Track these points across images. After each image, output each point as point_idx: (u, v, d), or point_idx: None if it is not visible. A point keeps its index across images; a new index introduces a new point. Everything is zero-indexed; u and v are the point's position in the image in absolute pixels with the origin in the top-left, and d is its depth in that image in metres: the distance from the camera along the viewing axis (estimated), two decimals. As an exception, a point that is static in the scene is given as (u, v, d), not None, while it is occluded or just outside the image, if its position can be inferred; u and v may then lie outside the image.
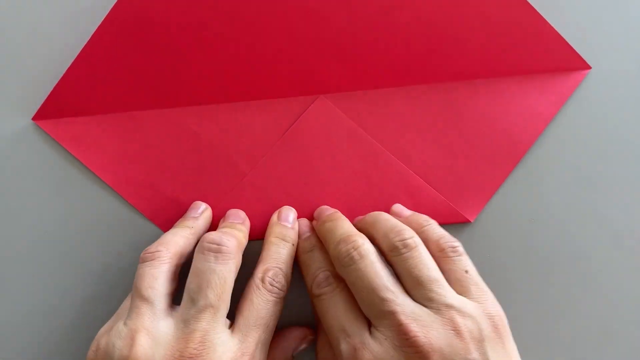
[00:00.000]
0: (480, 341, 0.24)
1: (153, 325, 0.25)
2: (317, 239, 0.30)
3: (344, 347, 0.25)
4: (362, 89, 0.33)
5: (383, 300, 0.25)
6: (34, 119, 0.33)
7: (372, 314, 0.26)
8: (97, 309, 0.32)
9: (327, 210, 0.31)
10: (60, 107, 0.33)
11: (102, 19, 0.32)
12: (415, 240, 0.27)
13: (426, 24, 0.33)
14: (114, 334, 0.25)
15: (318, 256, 0.29)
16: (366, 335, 0.25)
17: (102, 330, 0.27)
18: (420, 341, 0.24)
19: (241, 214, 0.32)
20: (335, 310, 0.26)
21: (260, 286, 0.27)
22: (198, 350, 0.24)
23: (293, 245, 0.30)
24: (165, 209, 0.32)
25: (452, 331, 0.24)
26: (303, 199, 0.32)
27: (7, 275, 0.32)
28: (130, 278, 0.28)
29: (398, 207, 0.32)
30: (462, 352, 0.24)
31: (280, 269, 0.28)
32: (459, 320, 0.24)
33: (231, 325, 0.26)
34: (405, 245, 0.26)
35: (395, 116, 0.33)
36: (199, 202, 0.32)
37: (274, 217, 0.31)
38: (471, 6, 0.33)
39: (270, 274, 0.27)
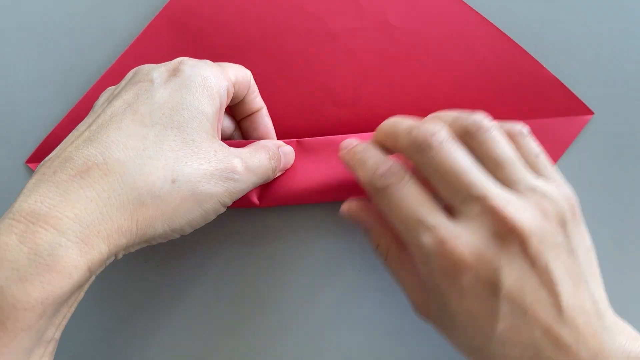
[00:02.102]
0: (564, 224, 0.23)
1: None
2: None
3: (426, 239, 0.23)
4: (359, 132, 0.32)
5: (472, 184, 0.23)
6: (27, 162, 0.33)
7: (457, 200, 0.23)
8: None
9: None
10: (53, 151, 0.33)
11: (103, 73, 0.32)
12: (489, 121, 0.25)
13: (423, 71, 0.32)
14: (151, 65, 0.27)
15: (374, 152, 0.26)
16: (452, 224, 0.23)
17: None
18: (518, 224, 0.22)
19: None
20: (410, 201, 0.24)
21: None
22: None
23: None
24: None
25: (541, 214, 0.23)
26: None
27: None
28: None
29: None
30: (552, 236, 0.23)
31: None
32: (545, 203, 0.23)
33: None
34: (481, 127, 0.24)
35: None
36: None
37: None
38: (466, 54, 0.32)
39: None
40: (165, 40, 0.33)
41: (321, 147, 0.32)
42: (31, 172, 0.33)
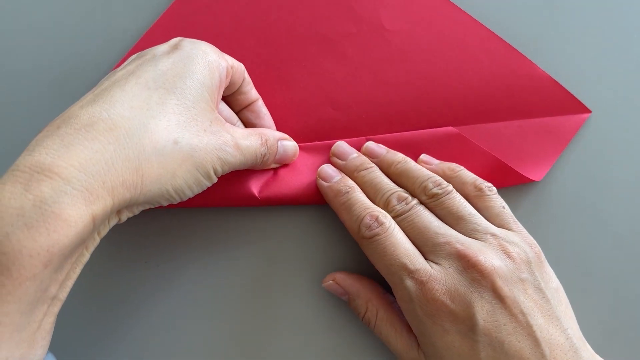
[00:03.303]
0: (528, 263, 0.26)
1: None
2: (350, 179, 0.30)
3: (409, 283, 0.26)
4: (358, 136, 0.33)
5: (437, 234, 0.27)
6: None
7: (427, 248, 0.27)
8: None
9: (350, 152, 0.32)
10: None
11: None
12: (450, 186, 0.29)
13: (418, 73, 0.33)
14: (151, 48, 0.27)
15: (358, 197, 0.29)
16: (429, 267, 0.26)
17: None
18: (481, 261, 0.25)
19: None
20: (394, 249, 0.27)
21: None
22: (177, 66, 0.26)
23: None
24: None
25: (503, 254, 0.26)
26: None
27: None
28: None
29: (426, 157, 0.32)
30: (516, 272, 0.26)
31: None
32: (507, 245, 0.27)
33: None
34: (444, 191, 0.28)
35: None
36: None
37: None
38: (460, 55, 0.33)
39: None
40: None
41: (321, 151, 0.32)
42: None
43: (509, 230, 0.28)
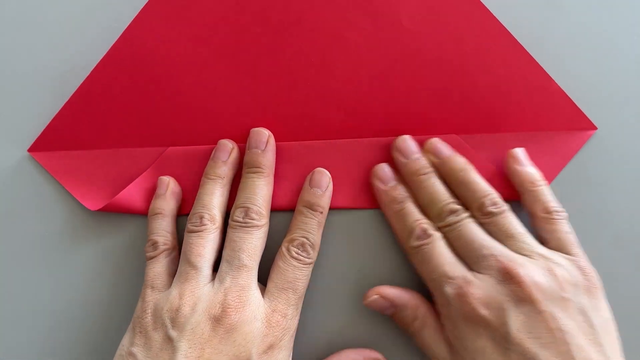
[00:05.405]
0: (573, 285, 0.26)
1: (199, 287, 0.28)
2: (405, 188, 0.31)
3: (448, 289, 0.27)
4: (362, 137, 0.32)
5: (482, 247, 0.28)
6: (29, 150, 0.33)
7: (471, 260, 0.28)
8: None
9: (414, 151, 0.31)
10: (55, 141, 0.33)
11: (101, 57, 0.32)
12: (505, 205, 0.29)
13: (431, 76, 0.32)
14: (163, 298, 0.28)
15: (411, 208, 0.30)
16: (468, 275, 0.27)
17: (148, 297, 0.29)
18: (522, 274, 0.26)
19: (263, 137, 0.31)
20: (438, 258, 0.28)
21: (287, 254, 0.29)
22: (235, 302, 0.27)
23: (322, 213, 0.30)
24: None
25: (547, 271, 0.26)
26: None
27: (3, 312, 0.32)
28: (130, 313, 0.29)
29: (520, 155, 0.31)
30: (557, 289, 0.26)
31: (306, 238, 0.29)
32: (552, 265, 0.27)
33: (263, 292, 0.29)
34: (498, 210, 0.29)
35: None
36: (227, 143, 0.32)
37: (306, 181, 0.31)
38: (478, 61, 0.32)
39: (295, 243, 0.29)
40: (161, 27, 0.32)
41: (324, 151, 0.32)
42: (33, 160, 0.33)
43: (567, 254, 0.28)
